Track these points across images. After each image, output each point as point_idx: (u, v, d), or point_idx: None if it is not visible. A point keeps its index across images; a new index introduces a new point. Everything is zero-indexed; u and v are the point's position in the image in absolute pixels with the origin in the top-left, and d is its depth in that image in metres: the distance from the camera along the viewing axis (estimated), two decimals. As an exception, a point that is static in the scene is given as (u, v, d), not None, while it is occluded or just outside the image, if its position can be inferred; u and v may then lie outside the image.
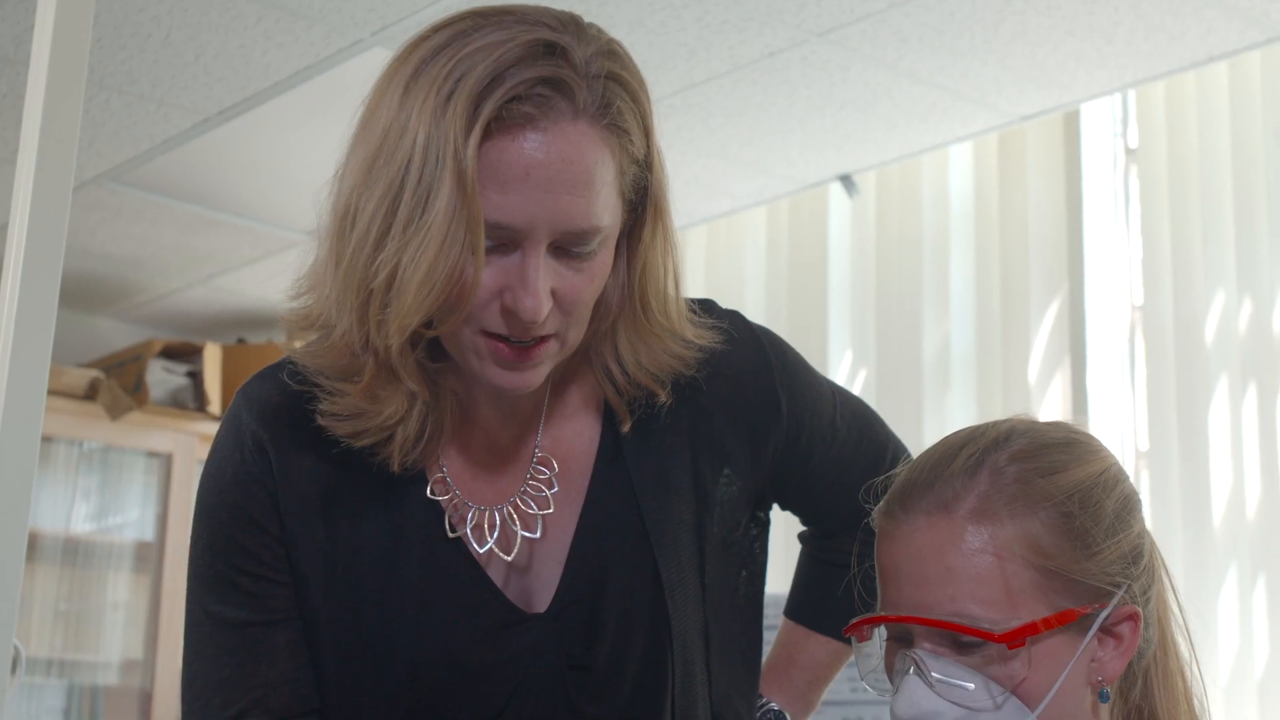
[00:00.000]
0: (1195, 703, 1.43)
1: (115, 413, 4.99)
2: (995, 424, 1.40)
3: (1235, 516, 3.66)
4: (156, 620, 4.98)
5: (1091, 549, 1.32)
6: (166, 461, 5.12)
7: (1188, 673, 1.44)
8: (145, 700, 4.94)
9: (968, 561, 1.30)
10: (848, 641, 1.44)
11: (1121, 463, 1.43)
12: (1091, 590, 1.32)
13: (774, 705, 1.81)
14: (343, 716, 1.56)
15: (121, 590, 5.13)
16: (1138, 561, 1.35)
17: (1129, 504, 1.37)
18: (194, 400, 5.14)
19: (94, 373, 5.05)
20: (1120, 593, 1.33)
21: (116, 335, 5.58)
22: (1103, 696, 1.34)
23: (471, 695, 1.56)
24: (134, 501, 5.19)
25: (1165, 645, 1.41)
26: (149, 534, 5.15)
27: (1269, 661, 3.55)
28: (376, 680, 1.55)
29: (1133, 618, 1.34)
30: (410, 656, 1.54)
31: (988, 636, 1.28)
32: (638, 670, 1.59)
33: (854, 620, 1.39)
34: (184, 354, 5.22)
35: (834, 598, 1.77)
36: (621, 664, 1.58)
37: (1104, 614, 1.32)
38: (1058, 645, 1.31)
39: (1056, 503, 1.32)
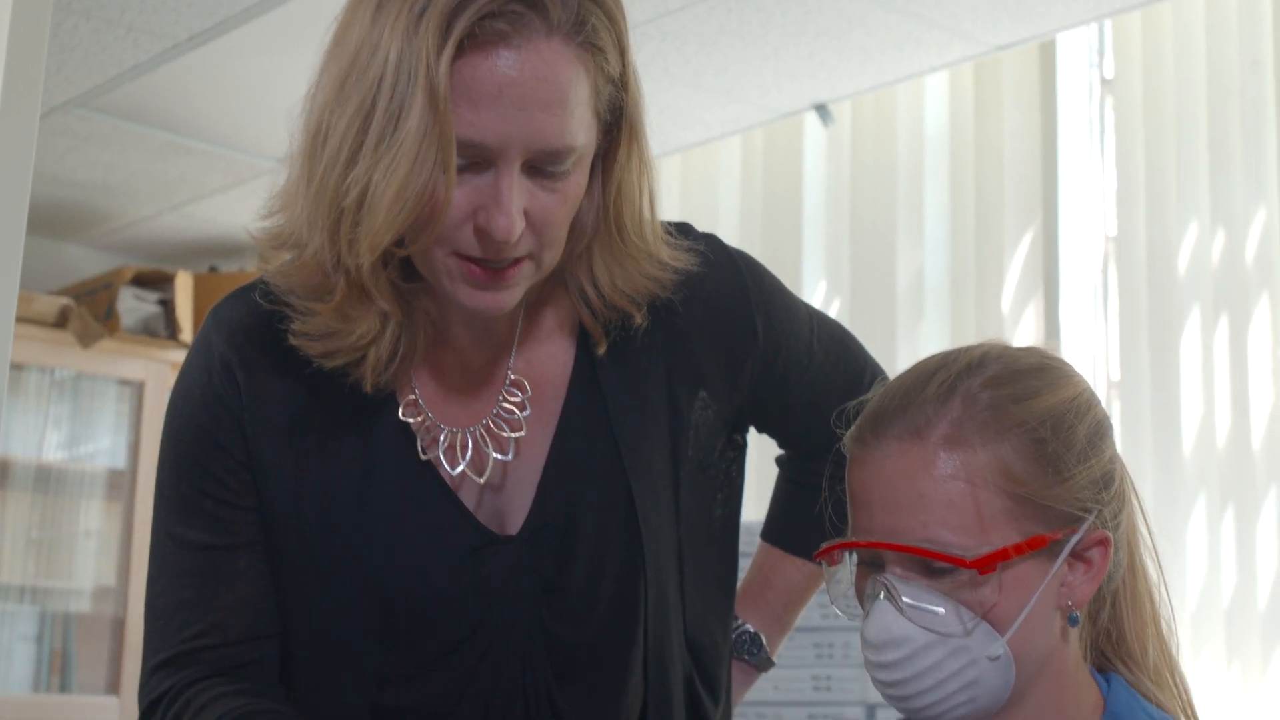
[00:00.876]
0: (1163, 624, 1.44)
1: (86, 340, 4.96)
2: (968, 349, 1.40)
3: (1205, 446, 3.68)
4: (129, 547, 4.98)
5: (1063, 474, 1.32)
6: (138, 390, 5.10)
7: (1156, 595, 1.44)
8: (118, 627, 4.95)
9: (939, 487, 1.30)
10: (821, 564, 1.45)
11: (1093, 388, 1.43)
12: (1062, 516, 1.32)
13: (749, 627, 1.81)
14: (314, 639, 1.56)
15: (94, 518, 5.12)
16: (1109, 486, 1.35)
17: (1101, 429, 1.37)
18: (165, 328, 5.11)
19: (64, 300, 5.02)
20: (1091, 518, 1.33)
21: (87, 262, 5.55)
22: (1072, 621, 1.34)
23: (443, 618, 1.56)
24: (106, 429, 5.18)
25: (1134, 568, 1.41)
26: (121, 462, 5.14)
27: (1236, 589, 3.58)
28: (347, 603, 1.55)
29: (1103, 543, 1.34)
30: (381, 579, 1.54)
31: (959, 562, 1.28)
32: (611, 594, 1.59)
33: (825, 545, 1.38)
34: (155, 282, 5.20)
35: (810, 520, 1.77)
36: (594, 587, 1.58)
37: (1075, 539, 1.32)
38: (1028, 571, 1.31)
39: (1029, 429, 1.32)
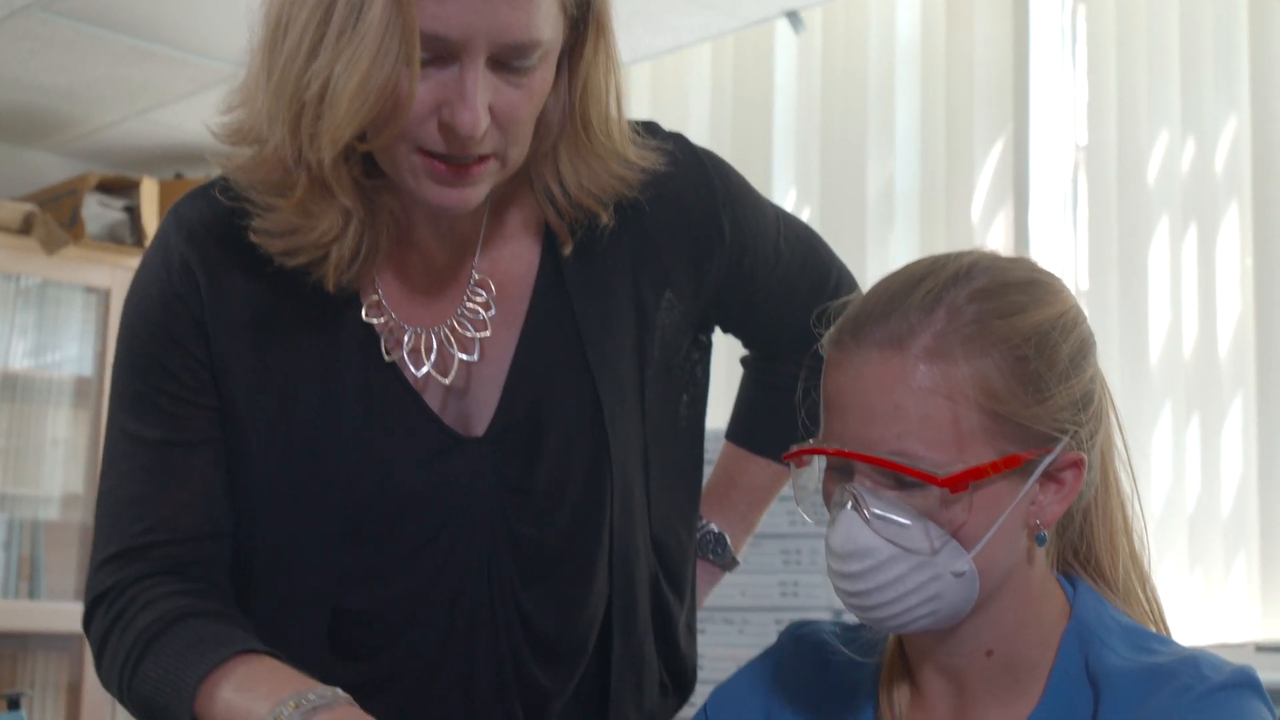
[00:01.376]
0: (1135, 538, 1.42)
1: (51, 247, 4.93)
2: (957, 257, 1.36)
3: (1172, 354, 3.70)
4: (96, 455, 4.95)
5: (1043, 394, 1.30)
6: (104, 297, 5.07)
7: (1129, 508, 1.42)
8: (86, 534, 4.94)
9: (917, 401, 1.28)
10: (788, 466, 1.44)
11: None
12: (1039, 435, 1.30)
13: (714, 527, 1.82)
14: (276, 540, 1.56)
15: (61, 426, 5.11)
16: (1087, 407, 1.33)
17: (1084, 348, 1.35)
18: (131, 235, 5.08)
19: (28, 206, 4.98)
20: (1066, 439, 1.31)
21: (51, 169, 5.49)
22: (1039, 540, 1.33)
23: (408, 519, 1.56)
24: (72, 337, 5.15)
25: (1107, 483, 1.40)
26: (88, 370, 5.11)
27: (1200, 496, 3.61)
28: (311, 504, 1.54)
29: (1077, 465, 1.32)
30: (346, 480, 1.54)
31: (931, 480, 1.27)
32: (577, 494, 1.59)
33: (794, 448, 1.36)
34: (120, 188, 5.15)
35: (775, 420, 1.77)
36: (560, 488, 1.58)
37: (1049, 460, 1.30)
38: (999, 489, 1.29)
39: (1012, 345, 1.29)
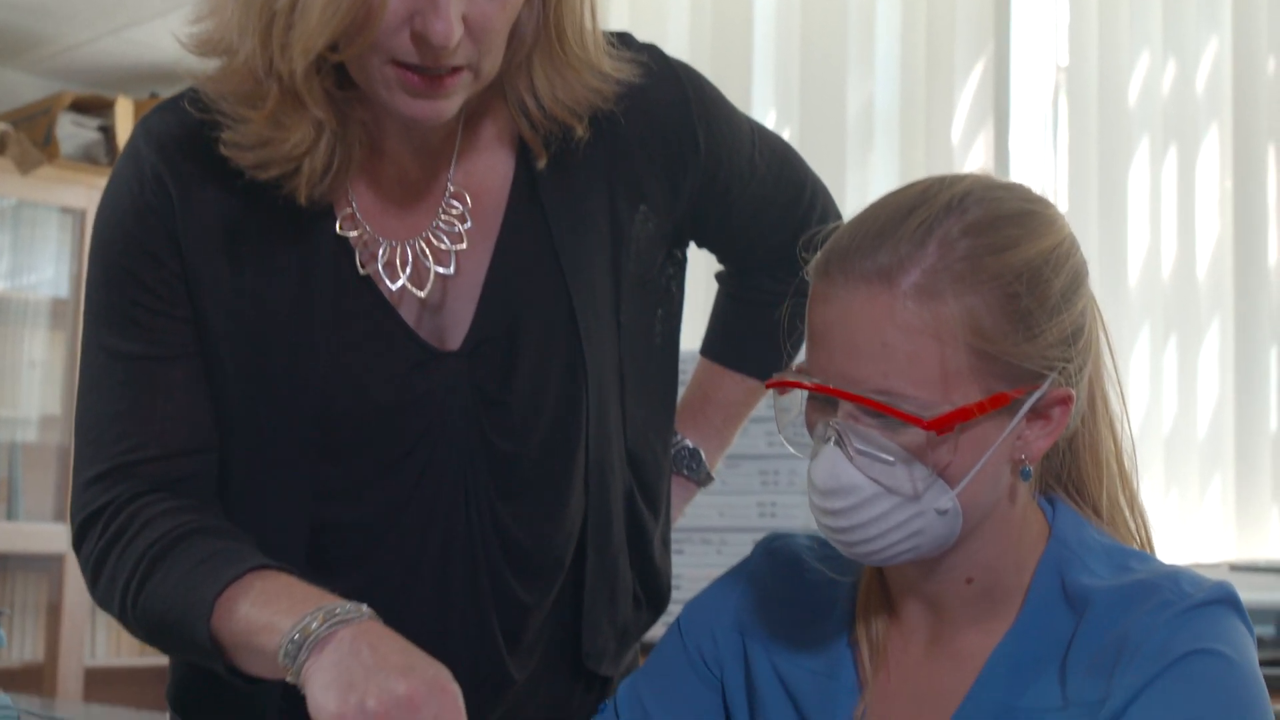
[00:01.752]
0: (1124, 459, 1.41)
1: (25, 167, 4.89)
2: (951, 184, 1.32)
3: (1150, 276, 3.70)
4: (73, 376, 4.93)
5: (1033, 331, 1.27)
6: (80, 218, 5.03)
7: (1118, 428, 1.41)
8: (64, 456, 4.94)
9: (904, 339, 1.25)
10: (762, 378, 1.43)
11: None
12: (1027, 373, 1.28)
13: (688, 443, 1.82)
14: (252, 454, 1.56)
15: (38, 348, 5.09)
16: (1077, 340, 1.31)
17: (1077, 280, 1.32)
18: (106, 155, 5.04)
19: (2, 126, 4.94)
20: (1054, 375, 1.29)
21: (25, 88, 5.44)
22: (1024, 475, 1.31)
23: (383, 432, 1.55)
24: (48, 258, 5.12)
25: (1094, 407, 1.38)
26: (64, 291, 5.09)
27: (1176, 418, 3.62)
28: (286, 418, 1.54)
29: (1065, 401, 1.30)
30: (321, 394, 1.53)
31: (917, 422, 1.25)
32: (553, 407, 1.59)
33: (777, 377, 1.34)
34: (95, 108, 5.10)
35: (749, 336, 1.77)
36: (536, 401, 1.58)
37: (1036, 397, 1.28)
38: (986, 428, 1.27)
39: (1004, 283, 1.26)
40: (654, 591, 1.73)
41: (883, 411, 1.25)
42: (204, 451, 1.55)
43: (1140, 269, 3.71)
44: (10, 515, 4.94)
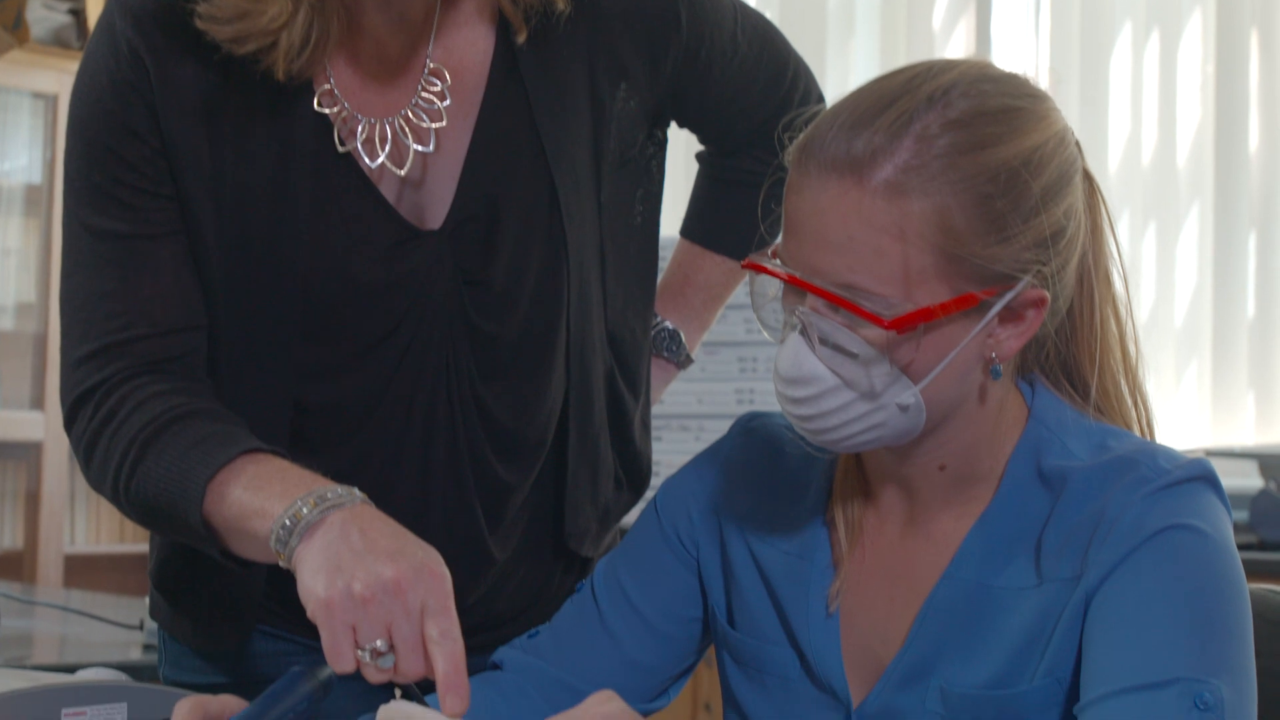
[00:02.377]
0: (1128, 343, 1.38)
1: (-4, 51, 4.83)
2: (938, 74, 1.28)
3: (1131, 164, 3.69)
4: (48, 264, 4.91)
5: (1005, 233, 1.24)
6: (52, 103, 4.97)
7: (1122, 310, 1.38)
8: (40, 343, 4.92)
9: (871, 235, 1.23)
10: (741, 260, 1.42)
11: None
12: (998, 275, 1.25)
13: (668, 324, 1.82)
14: (235, 334, 1.55)
15: (12, 236, 5.05)
16: (1057, 241, 1.27)
17: (1061, 180, 1.28)
18: (78, 39, 4.97)
19: (-28, 10, 4.87)
20: (1028, 279, 1.26)
21: (-6, -29, 5.36)
22: (994, 374, 1.29)
23: (365, 312, 1.55)
24: (21, 145, 5.06)
25: (1095, 289, 1.35)
26: (37, 177, 5.04)
27: (1154, 306, 3.63)
28: (267, 298, 1.53)
29: (1039, 303, 1.28)
30: (302, 274, 1.53)
31: (877, 321, 1.23)
32: (534, 286, 1.58)
33: (749, 259, 1.33)
34: (66, -9, 5.04)
35: (730, 217, 1.76)
36: (517, 280, 1.57)
37: (1006, 298, 1.26)
38: (953, 327, 1.25)
39: (979, 183, 1.23)
40: (635, 473, 1.74)
41: (844, 307, 1.24)
42: (194, 329, 1.54)
43: (1120, 156, 3.71)
44: (-13, 402, 4.93)
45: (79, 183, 1.54)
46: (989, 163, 1.24)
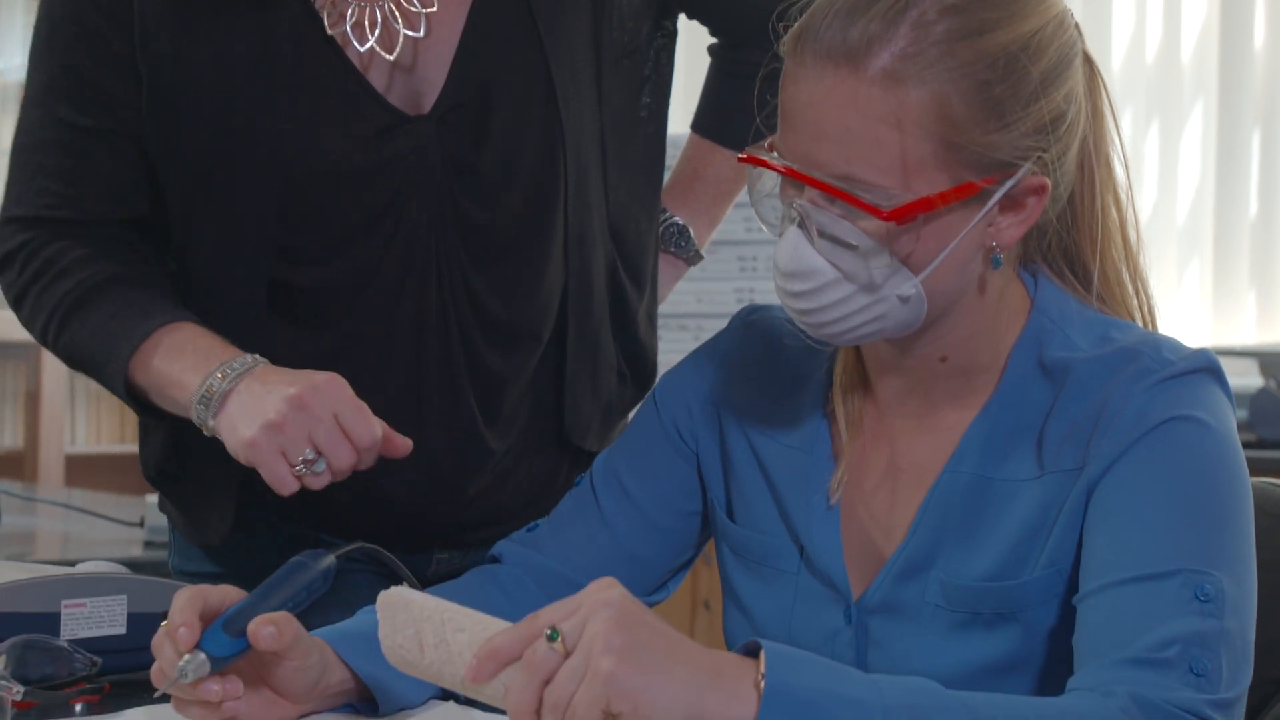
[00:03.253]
0: (1129, 231, 1.36)
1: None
2: None
3: (1134, 60, 3.66)
4: (44, 163, 4.90)
5: (1005, 120, 1.22)
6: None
7: (1123, 198, 1.36)
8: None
9: (868, 126, 1.21)
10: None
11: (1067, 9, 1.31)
12: (998, 163, 1.23)
13: (677, 219, 1.81)
14: (218, 222, 1.55)
15: (7, 134, 5.02)
16: (1057, 127, 1.25)
17: (1062, 64, 1.26)
18: (71, -65, 4.92)
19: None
20: (1029, 165, 1.24)
21: None
22: (994, 263, 1.28)
23: (350, 200, 1.55)
24: (15, 42, 5.04)
25: (1094, 178, 1.33)
26: (31, 75, 5.02)
27: (1155, 204, 3.62)
28: (249, 186, 1.53)
29: (1039, 190, 1.26)
30: (285, 160, 1.52)
31: (875, 212, 1.21)
32: (528, 176, 1.57)
33: (747, 152, 1.31)
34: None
35: (739, 110, 1.73)
36: (510, 168, 1.56)
37: (1007, 186, 1.24)
38: (953, 217, 1.23)
39: (977, 69, 1.21)
40: (639, 367, 1.73)
41: (842, 199, 1.23)
42: (126, 222, 1.58)
43: (1124, 52, 3.67)
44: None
45: (41, 64, 1.56)
46: (987, 48, 1.22)
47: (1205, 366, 1.28)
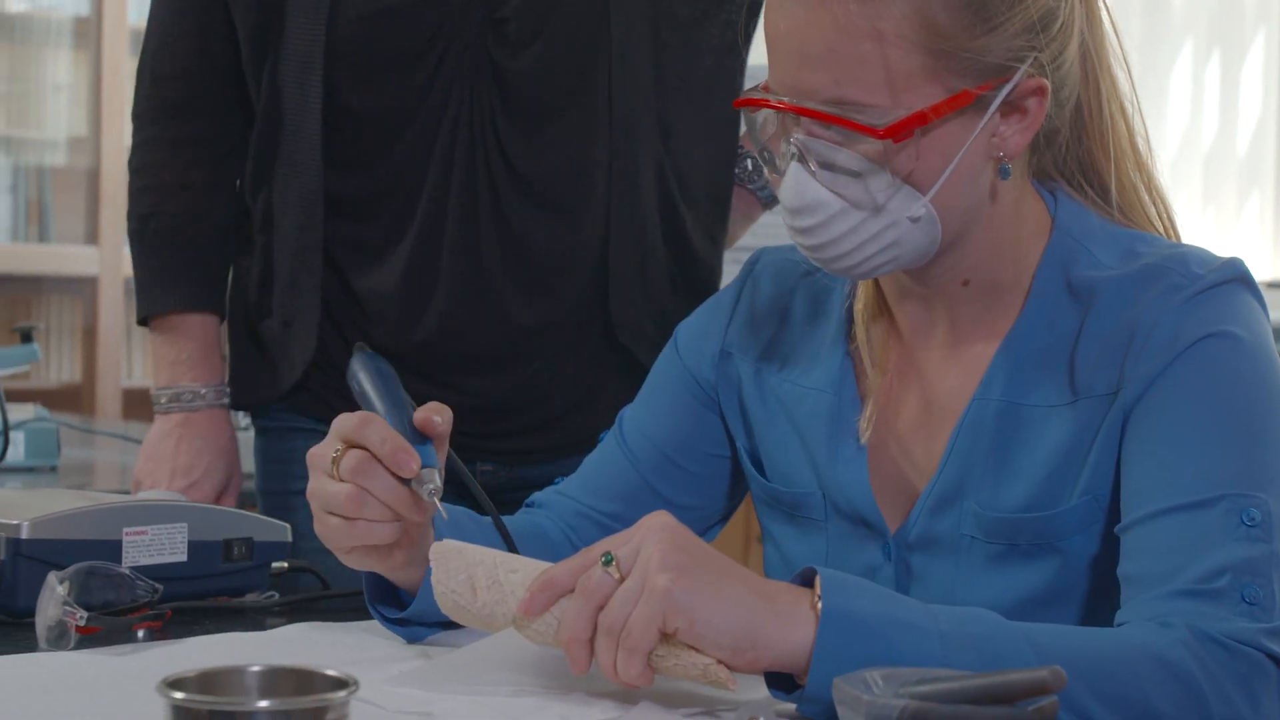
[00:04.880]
0: (1139, 140, 1.34)
1: (42, -119, 4.77)
2: None
3: (1196, -11, 3.61)
4: (98, 98, 4.90)
5: (991, 22, 1.20)
6: (99, -65, 4.94)
7: (1129, 109, 1.34)
8: (93, 178, 4.92)
9: (852, 45, 1.19)
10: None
11: None
12: (992, 67, 1.21)
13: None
14: (274, 64, 1.70)
15: (62, 70, 5.03)
16: (1049, 25, 1.23)
17: None
18: None
19: None
20: (1024, 68, 1.22)
21: None
22: (1003, 173, 1.26)
23: (390, 35, 1.65)
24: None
25: (1099, 85, 1.32)
26: (85, 9, 5.01)
27: (1217, 135, 3.57)
28: (303, 24, 1.66)
29: (1039, 91, 1.24)
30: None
31: (870, 132, 1.19)
32: (559, 30, 1.65)
33: (743, 94, 1.29)
34: None
35: None
36: (539, 19, 1.65)
37: (1005, 91, 1.22)
38: (952, 128, 1.22)
39: None
40: (694, 278, 1.74)
41: (835, 123, 1.21)
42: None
43: (1185, -18, 3.62)
44: (42, 238, 4.95)
45: None
46: None
47: (1235, 276, 1.26)
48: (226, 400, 1.84)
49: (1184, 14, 3.60)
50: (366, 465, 1.22)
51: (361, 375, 1.31)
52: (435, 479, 1.22)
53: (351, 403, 1.30)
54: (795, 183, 1.24)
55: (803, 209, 1.24)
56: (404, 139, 1.67)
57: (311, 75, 1.67)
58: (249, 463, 1.91)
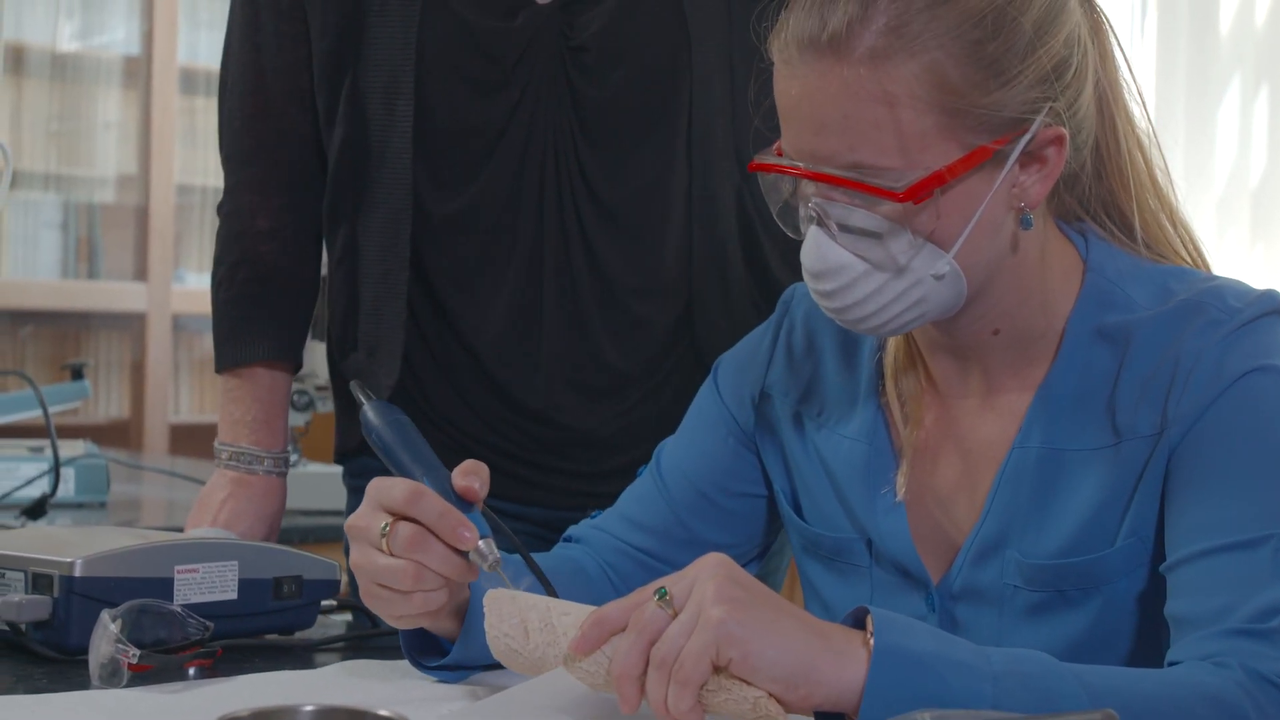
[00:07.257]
0: (1157, 173, 1.34)
1: (93, -77, 4.83)
2: None
3: (1243, 25, 3.59)
4: (148, 136, 4.95)
5: (1004, 76, 1.20)
6: (150, -26, 4.99)
7: (1146, 144, 1.33)
8: (141, 215, 4.97)
9: (865, 109, 1.18)
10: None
11: None
12: (1008, 121, 1.21)
13: None
14: (364, 81, 1.73)
15: (112, 108, 5.08)
16: (1063, 75, 1.22)
17: (1053, 8, 1.22)
18: (174, -91, 4.96)
19: (68, -119, 4.86)
20: (1040, 118, 1.21)
21: None
22: (1025, 223, 1.25)
23: (479, 58, 1.69)
24: (119, 17, 5.09)
25: (1115, 123, 1.31)
26: (135, 49, 5.06)
27: (1265, 172, 3.55)
28: (391, 41, 1.70)
29: (1057, 140, 1.23)
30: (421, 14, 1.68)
31: (890, 195, 1.19)
32: (638, 58, 1.69)
33: (756, 160, 1.28)
34: None
35: None
36: (619, 46, 1.69)
37: (1022, 143, 1.21)
38: (971, 184, 1.21)
39: (965, 30, 1.18)
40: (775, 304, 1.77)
41: (853, 188, 1.20)
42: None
43: (1233, 16, 3.61)
44: (91, 275, 4.99)
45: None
46: (971, 7, 1.19)
47: (1274, 309, 1.25)
48: (285, 470, 1.82)
49: (1231, 49, 3.59)
50: (422, 540, 1.22)
51: (383, 431, 1.31)
52: (494, 550, 1.22)
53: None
54: (816, 246, 1.24)
55: (825, 273, 1.24)
56: (494, 158, 1.69)
57: (402, 96, 1.69)
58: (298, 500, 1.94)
